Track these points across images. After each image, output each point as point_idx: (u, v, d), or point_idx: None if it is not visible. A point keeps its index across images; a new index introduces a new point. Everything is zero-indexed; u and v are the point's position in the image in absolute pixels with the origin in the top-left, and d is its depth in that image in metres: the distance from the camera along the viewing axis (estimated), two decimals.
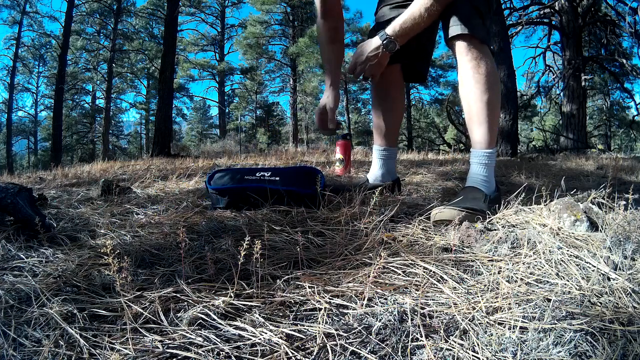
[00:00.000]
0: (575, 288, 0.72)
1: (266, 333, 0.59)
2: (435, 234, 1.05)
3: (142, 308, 0.66)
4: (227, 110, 23.49)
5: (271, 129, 22.48)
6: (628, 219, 0.99)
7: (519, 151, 6.54)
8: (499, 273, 0.78)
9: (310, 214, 1.21)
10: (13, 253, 0.92)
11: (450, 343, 0.57)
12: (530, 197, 1.26)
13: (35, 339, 0.59)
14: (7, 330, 0.60)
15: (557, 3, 9.47)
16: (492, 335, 0.59)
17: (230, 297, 0.69)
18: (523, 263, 0.83)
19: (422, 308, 0.66)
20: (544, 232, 0.97)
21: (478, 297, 0.70)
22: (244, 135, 20.57)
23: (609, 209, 1.11)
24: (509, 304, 0.66)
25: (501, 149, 5.76)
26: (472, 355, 0.55)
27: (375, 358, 0.55)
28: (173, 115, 14.17)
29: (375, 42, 1.36)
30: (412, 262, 0.83)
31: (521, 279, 0.76)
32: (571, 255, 0.85)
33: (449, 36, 1.29)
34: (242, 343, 0.58)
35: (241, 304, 0.68)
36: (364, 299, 0.69)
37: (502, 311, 0.65)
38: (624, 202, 1.04)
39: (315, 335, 0.59)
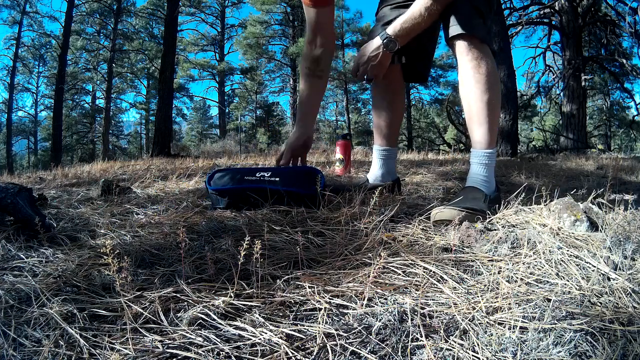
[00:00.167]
0: (575, 288, 0.72)
1: (266, 333, 0.59)
2: (435, 234, 1.05)
3: (142, 308, 0.66)
4: (227, 110, 23.49)
5: (271, 129, 22.48)
6: (628, 219, 0.99)
7: (519, 151, 6.54)
8: (499, 273, 0.78)
9: (310, 214, 1.21)
10: (13, 253, 0.92)
11: (450, 343, 0.57)
12: (530, 197, 1.26)
13: (35, 339, 0.59)
14: (7, 330, 0.60)
15: (557, 3, 9.47)
16: (492, 335, 0.59)
17: (230, 297, 0.69)
18: (523, 263, 0.83)
19: (422, 308, 0.66)
20: (544, 232, 0.97)
21: (478, 297, 0.70)
22: (244, 135, 20.57)
23: (609, 209, 1.11)
24: (509, 304, 0.66)
25: (501, 149, 5.76)
26: (472, 355, 0.55)
27: (375, 358, 0.55)
28: (173, 115, 14.17)
29: (376, 42, 1.36)
30: (412, 262, 0.83)
31: (521, 279, 0.76)
32: (571, 255, 0.85)
33: (449, 36, 1.29)
34: (242, 343, 0.58)
35: (241, 304, 0.68)
36: (364, 299, 0.69)
37: (502, 311, 0.65)
38: (624, 202, 1.04)
39: (315, 335, 0.59)
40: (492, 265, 0.84)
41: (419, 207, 1.30)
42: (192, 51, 22.02)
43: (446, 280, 0.77)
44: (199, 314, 0.64)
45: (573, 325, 0.59)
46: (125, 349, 0.56)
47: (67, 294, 0.71)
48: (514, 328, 0.60)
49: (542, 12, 10.07)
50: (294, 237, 1.01)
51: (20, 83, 20.88)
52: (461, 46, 1.28)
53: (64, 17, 14.23)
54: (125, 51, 20.35)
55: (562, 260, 0.82)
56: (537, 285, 0.75)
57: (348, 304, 0.68)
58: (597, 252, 0.85)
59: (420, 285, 0.75)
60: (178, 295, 0.70)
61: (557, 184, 1.44)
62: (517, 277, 0.77)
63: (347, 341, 0.58)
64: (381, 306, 0.67)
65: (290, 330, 0.61)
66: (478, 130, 1.29)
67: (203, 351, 0.55)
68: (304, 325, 0.62)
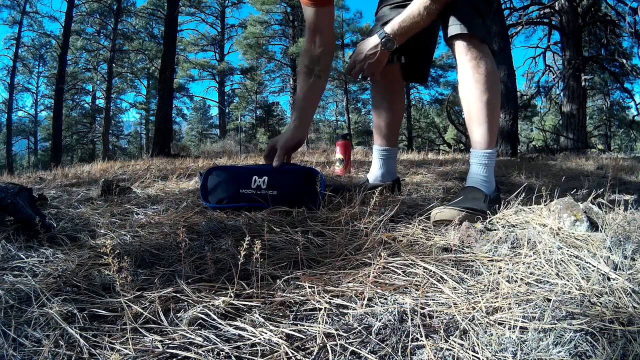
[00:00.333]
0: (575, 288, 0.72)
1: (266, 333, 0.59)
2: (435, 234, 1.05)
3: (142, 308, 0.66)
4: (227, 110, 23.49)
5: (271, 129, 22.48)
6: (628, 219, 0.99)
7: (519, 151, 6.54)
8: (499, 273, 0.78)
9: (310, 214, 1.21)
10: (13, 253, 0.92)
11: (450, 343, 0.57)
12: (530, 197, 1.26)
13: (35, 339, 0.59)
14: (7, 330, 0.60)
15: (557, 3, 9.47)
16: (492, 335, 0.59)
17: (230, 297, 0.69)
18: (523, 263, 0.83)
19: (422, 308, 0.66)
20: (544, 232, 0.97)
21: (478, 297, 0.70)
22: (244, 135, 20.57)
23: (609, 209, 1.11)
24: (509, 304, 0.66)
25: (501, 149, 5.76)
26: (472, 355, 0.55)
27: (375, 358, 0.55)
28: (173, 115, 14.18)
29: (374, 40, 1.36)
30: (412, 262, 0.83)
31: (521, 279, 0.76)
32: (571, 255, 0.85)
33: (448, 35, 1.28)
34: (242, 343, 0.58)
35: (241, 304, 0.68)
36: (364, 299, 0.69)
37: (502, 311, 0.65)
38: (624, 202, 1.04)
39: (315, 335, 0.59)
40: (492, 265, 0.84)
41: (419, 207, 1.30)
42: (192, 51, 22.03)
43: (446, 280, 0.77)
44: (199, 314, 0.64)
45: (573, 325, 0.59)
46: (125, 349, 0.56)
47: (67, 294, 0.71)
48: (514, 328, 0.60)
49: (542, 12, 10.07)
50: (294, 237, 1.01)
51: (20, 83, 20.91)
52: (460, 46, 1.27)
53: (64, 17, 14.24)
54: (125, 51, 20.35)
55: (562, 260, 0.82)
56: (537, 285, 0.75)
57: (348, 304, 0.68)
58: (597, 252, 0.85)
59: (420, 285, 0.75)
60: (178, 295, 0.70)
61: (557, 184, 1.44)
62: (517, 277, 0.77)
63: (347, 341, 0.58)
64: (381, 306, 0.67)
65: (290, 330, 0.61)
66: (477, 130, 1.29)
67: (203, 351, 0.55)
68: (304, 325, 0.62)
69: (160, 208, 1.37)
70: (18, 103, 22.87)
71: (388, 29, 1.32)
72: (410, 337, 0.58)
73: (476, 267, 0.83)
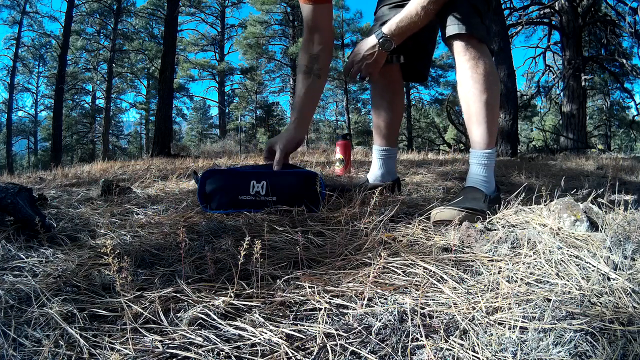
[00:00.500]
0: (575, 288, 0.72)
1: (266, 333, 0.59)
2: (435, 234, 1.05)
3: (142, 308, 0.66)
4: (227, 110, 23.49)
5: (271, 129, 22.48)
6: (628, 219, 0.99)
7: (519, 151, 6.54)
8: (499, 273, 0.78)
9: (310, 214, 1.21)
10: (13, 253, 0.92)
11: (450, 343, 0.57)
12: (530, 197, 1.26)
13: (35, 339, 0.59)
14: (7, 330, 0.60)
15: (557, 3, 9.47)
16: (492, 335, 0.59)
17: (230, 297, 0.69)
18: (523, 263, 0.83)
19: (422, 308, 0.66)
20: (544, 232, 0.97)
21: (478, 297, 0.70)
22: (244, 135, 20.57)
23: (609, 209, 1.11)
24: (509, 304, 0.66)
25: (501, 149, 5.76)
26: (472, 355, 0.55)
27: (375, 358, 0.55)
28: (173, 115, 14.18)
29: (372, 40, 1.36)
30: (412, 262, 0.83)
31: (521, 279, 0.76)
32: (571, 255, 0.85)
33: (447, 35, 1.28)
34: (242, 343, 0.58)
35: (241, 304, 0.68)
36: (364, 299, 0.69)
37: (502, 311, 0.65)
38: (624, 202, 1.04)
39: (315, 335, 0.59)
40: (492, 265, 0.84)
41: (419, 207, 1.30)
42: (192, 51, 22.03)
43: (446, 280, 0.77)
44: (199, 314, 0.64)
45: (573, 325, 0.59)
46: (125, 349, 0.56)
47: (67, 294, 0.71)
48: (514, 328, 0.60)
49: (542, 12, 10.07)
50: (294, 237, 1.01)
51: (20, 83, 20.90)
52: (459, 46, 1.27)
53: (64, 17, 14.24)
54: (125, 51, 20.35)
55: (562, 260, 0.82)
56: (537, 285, 0.75)
57: (348, 304, 0.68)
58: (597, 252, 0.85)
59: (420, 285, 0.75)
60: (178, 295, 0.70)
61: (557, 184, 1.44)
62: (517, 277, 0.77)
63: (347, 341, 0.58)
64: (381, 306, 0.67)
65: (290, 330, 0.61)
66: (477, 130, 1.29)
67: (203, 351, 0.55)
68: (304, 325, 0.62)
69: (160, 208, 1.37)
70: (18, 103, 22.89)
71: (385, 29, 1.32)
72: (410, 337, 0.58)
73: (476, 267, 0.83)
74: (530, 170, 2.82)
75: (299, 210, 1.22)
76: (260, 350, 0.56)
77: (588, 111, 12.85)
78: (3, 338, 0.59)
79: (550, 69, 11.02)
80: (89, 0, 17.78)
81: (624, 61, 9.99)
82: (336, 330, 0.60)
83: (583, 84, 9.27)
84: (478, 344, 0.57)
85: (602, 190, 1.22)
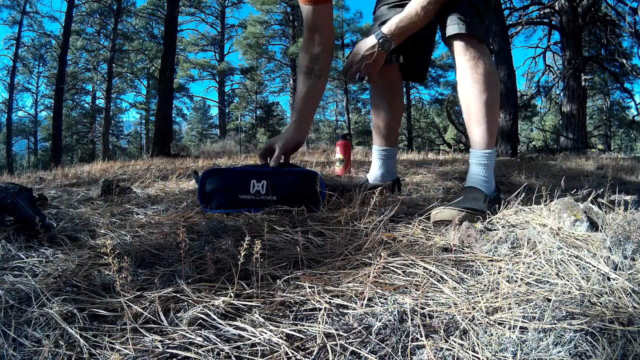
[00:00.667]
0: (575, 288, 0.72)
1: (266, 333, 0.59)
2: (435, 234, 1.05)
3: (142, 308, 0.66)
4: (227, 110, 23.49)
5: (271, 129, 22.48)
6: (628, 219, 0.99)
7: (519, 151, 6.54)
8: (499, 273, 0.78)
9: (310, 214, 1.21)
10: (13, 253, 0.92)
11: (450, 343, 0.57)
12: (530, 197, 1.26)
13: (35, 339, 0.59)
14: (7, 330, 0.60)
15: (557, 3, 9.47)
16: (492, 335, 0.59)
17: (230, 297, 0.69)
18: (523, 263, 0.83)
19: (422, 308, 0.66)
20: (544, 232, 0.97)
21: (478, 297, 0.70)
22: (244, 135, 20.57)
23: (609, 209, 1.11)
24: (509, 304, 0.66)
25: (501, 149, 5.76)
26: (472, 355, 0.55)
27: (375, 358, 0.55)
28: (173, 115, 14.18)
29: (371, 41, 1.35)
30: (412, 262, 0.83)
31: (521, 279, 0.76)
32: (571, 255, 0.85)
33: (446, 35, 1.28)
34: (242, 343, 0.58)
35: (241, 304, 0.68)
36: (364, 299, 0.69)
37: (502, 311, 0.65)
38: (624, 202, 1.04)
39: (315, 335, 0.59)
40: (492, 265, 0.84)
41: (419, 207, 1.30)
42: (192, 51, 22.03)
43: (446, 280, 0.77)
44: (199, 314, 0.64)
45: (573, 325, 0.59)
46: (125, 349, 0.56)
47: (67, 294, 0.71)
48: (514, 328, 0.60)
49: (542, 12, 10.07)
50: (294, 237, 1.01)
51: (20, 83, 20.90)
52: (459, 46, 1.27)
53: (64, 17, 14.23)
54: (125, 51, 20.35)
55: (562, 260, 0.82)
56: (537, 285, 0.75)
57: (348, 304, 0.68)
58: (597, 252, 0.85)
59: (420, 285, 0.75)
60: (178, 295, 0.70)
61: (557, 184, 1.44)
62: (517, 277, 0.77)
63: (347, 341, 0.58)
64: (381, 306, 0.67)
65: (290, 330, 0.61)
66: (477, 130, 1.29)
67: (203, 351, 0.55)
68: (304, 325, 0.62)
69: (160, 208, 1.37)
70: (18, 103, 22.88)
71: (385, 29, 1.32)
72: (410, 337, 0.58)
73: (476, 267, 0.83)
74: (530, 170, 2.82)
75: (299, 210, 1.22)
76: (260, 350, 0.56)
77: (588, 111, 12.85)
78: (3, 338, 0.59)
79: (550, 69, 11.02)
80: (89, 0, 17.78)
81: (624, 61, 9.99)
82: (336, 330, 0.60)
83: (583, 84, 9.27)
84: (478, 344, 0.57)
85: (602, 190, 1.22)
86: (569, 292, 0.71)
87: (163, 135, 7.09)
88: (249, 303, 0.68)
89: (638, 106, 10.82)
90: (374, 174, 1.64)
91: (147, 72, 21.58)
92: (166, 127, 7.24)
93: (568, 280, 0.75)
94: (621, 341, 0.57)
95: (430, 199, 1.52)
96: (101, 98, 21.47)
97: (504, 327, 0.61)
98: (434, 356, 0.55)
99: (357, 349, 0.56)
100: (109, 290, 0.75)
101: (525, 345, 0.56)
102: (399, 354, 0.55)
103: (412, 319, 0.63)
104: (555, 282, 0.75)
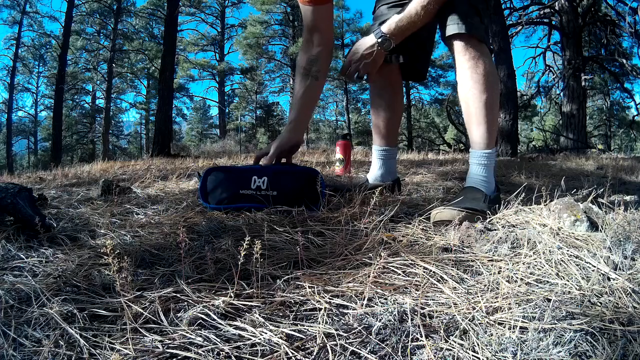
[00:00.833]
0: (575, 288, 0.72)
1: (266, 333, 0.59)
2: (435, 234, 1.05)
3: (142, 308, 0.66)
4: (227, 110, 23.50)
5: (271, 129, 22.48)
6: (628, 219, 0.99)
7: (519, 151, 6.54)
8: (499, 273, 0.78)
9: (310, 214, 1.21)
10: (13, 253, 0.92)
11: (450, 343, 0.57)
12: (530, 197, 1.26)
13: (35, 339, 0.59)
14: (7, 330, 0.60)
15: (557, 3, 9.47)
16: (492, 335, 0.59)
17: (230, 297, 0.69)
18: (523, 263, 0.83)
19: (422, 308, 0.66)
20: (544, 232, 0.97)
21: (478, 297, 0.70)
22: (244, 135, 20.58)
23: (609, 209, 1.11)
24: (509, 304, 0.66)
25: (501, 149, 5.76)
26: (472, 355, 0.55)
27: (375, 358, 0.55)
28: (173, 115, 14.19)
29: (370, 39, 1.35)
30: (412, 262, 0.83)
31: (521, 279, 0.76)
32: (571, 255, 0.85)
33: (446, 35, 1.28)
34: (242, 343, 0.58)
35: (241, 304, 0.68)
36: (364, 299, 0.69)
37: (502, 311, 0.65)
38: (624, 202, 1.04)
39: (315, 335, 0.59)
40: (492, 265, 0.84)
41: (419, 207, 1.30)
42: (192, 51, 22.03)
43: (446, 280, 0.77)
44: (199, 314, 0.64)
45: (573, 325, 0.59)
46: (125, 349, 0.56)
47: (67, 294, 0.71)
48: (514, 328, 0.60)
49: (542, 12, 10.07)
50: (294, 237, 1.01)
51: (20, 83, 20.89)
52: (459, 46, 1.27)
53: (64, 17, 14.26)
54: (125, 51, 20.35)
55: (562, 260, 0.82)
56: (537, 285, 0.75)
57: (348, 304, 0.68)
58: (597, 252, 0.85)
59: (420, 285, 0.75)
60: (178, 295, 0.70)
61: (557, 184, 1.44)
62: (517, 277, 0.77)
63: (347, 341, 0.58)
64: (381, 306, 0.67)
65: (290, 330, 0.61)
66: (477, 130, 1.29)
67: (203, 351, 0.55)
68: (304, 325, 0.62)
69: (160, 208, 1.37)
70: (18, 103, 22.85)
71: (385, 28, 1.32)
72: (410, 337, 0.58)
73: (476, 267, 0.83)
74: (530, 170, 2.82)
75: (299, 210, 1.22)
76: (260, 350, 0.56)
77: (588, 111, 12.85)
78: (3, 338, 0.59)
79: (550, 69, 11.02)
80: (89, 0, 17.78)
81: (624, 61, 9.99)
82: (336, 330, 0.60)
83: (583, 84, 9.27)
84: (478, 344, 0.57)
85: (602, 190, 1.22)
86: (569, 292, 0.71)
87: (163, 135, 7.09)
88: (249, 303, 0.68)
89: (638, 106, 10.83)
90: (374, 174, 1.64)
91: (147, 72, 21.58)
92: (166, 127, 7.24)
93: (568, 280, 0.75)
94: (621, 341, 0.57)
95: (430, 199, 1.52)
96: (101, 98, 21.48)
97: (504, 327, 0.61)
98: (434, 356, 0.55)
99: (357, 349, 0.56)
100: (109, 290, 0.75)
101: (525, 345, 0.56)
102: (399, 354, 0.55)
103: (412, 319, 0.63)
104: (555, 282, 0.75)
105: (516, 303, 0.67)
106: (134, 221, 1.20)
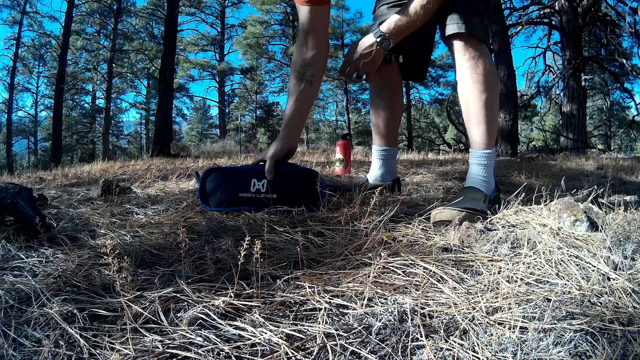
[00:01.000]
0: (575, 288, 0.72)
1: (266, 333, 0.59)
2: (435, 234, 1.05)
3: (142, 308, 0.66)
4: (227, 110, 23.49)
5: (271, 129, 22.47)
6: (628, 219, 0.99)
7: (519, 151, 6.54)
8: (499, 273, 0.78)
9: (310, 214, 1.21)
10: (13, 253, 0.92)
11: (450, 343, 0.57)
12: (530, 197, 1.26)
13: (35, 339, 0.59)
14: (7, 330, 0.60)
15: (557, 3, 9.47)
16: (492, 335, 0.59)
17: (230, 297, 0.69)
18: (523, 263, 0.83)
19: (422, 308, 0.66)
20: (544, 232, 0.97)
21: (478, 297, 0.70)
22: (244, 135, 20.57)
23: (609, 209, 1.11)
24: (509, 304, 0.66)
25: (501, 149, 5.76)
26: (472, 355, 0.55)
27: (375, 358, 0.55)
28: (173, 115, 14.19)
29: (369, 39, 1.35)
30: (412, 262, 0.83)
31: (521, 279, 0.76)
32: (571, 255, 0.85)
33: (446, 35, 1.28)
34: (242, 343, 0.58)
35: (241, 304, 0.68)
36: (364, 299, 0.69)
37: (502, 311, 0.65)
38: (624, 202, 1.04)
39: (315, 335, 0.59)
40: (492, 265, 0.84)
41: (419, 207, 1.30)
42: (192, 51, 22.03)
43: (446, 280, 0.77)
44: (199, 314, 0.64)
45: (573, 325, 0.59)
46: (125, 349, 0.56)
47: (67, 294, 0.71)
48: (514, 328, 0.60)
49: (542, 12, 10.07)
50: (294, 237, 1.01)
51: (20, 83, 20.88)
52: (458, 45, 1.27)
53: (64, 17, 14.26)
54: (125, 51, 20.35)
55: (562, 260, 0.82)
56: (537, 285, 0.75)
57: (348, 304, 0.68)
58: (597, 252, 0.85)
59: (420, 285, 0.75)
60: (178, 295, 0.70)
61: (557, 184, 1.44)
62: (517, 277, 0.77)
63: (347, 341, 0.58)
64: (381, 306, 0.67)
65: (290, 330, 0.61)
66: (476, 130, 1.29)
67: (203, 351, 0.55)
68: (304, 325, 0.62)
69: (160, 208, 1.37)
70: (18, 103, 22.84)
71: (384, 27, 1.31)
72: (410, 337, 0.58)
73: (476, 267, 0.83)
74: (530, 170, 2.82)
75: (299, 210, 1.22)
76: (260, 350, 0.56)
77: (588, 111, 12.85)
78: (3, 338, 0.59)
79: (550, 69, 11.01)
80: (89, 0, 17.78)
81: (624, 61, 9.99)
82: (336, 330, 0.60)
83: (583, 84, 9.27)
84: (478, 344, 0.57)
85: (602, 190, 1.22)
86: (569, 292, 0.71)
87: (163, 135, 7.09)
88: (249, 303, 0.68)
89: (638, 106, 10.83)
90: (374, 174, 1.64)
91: (147, 72, 21.57)
92: (166, 127, 7.24)
93: (568, 280, 0.75)
94: (621, 341, 0.57)
95: (430, 199, 1.51)
96: (101, 98, 21.48)
97: (504, 327, 0.61)
98: (434, 356, 0.55)
99: (357, 349, 0.56)
100: (109, 290, 0.75)
101: (525, 345, 0.56)
102: (399, 354, 0.55)
103: (412, 319, 0.63)
104: (555, 282, 0.75)
105: (516, 303, 0.67)
106: (134, 221, 1.20)
